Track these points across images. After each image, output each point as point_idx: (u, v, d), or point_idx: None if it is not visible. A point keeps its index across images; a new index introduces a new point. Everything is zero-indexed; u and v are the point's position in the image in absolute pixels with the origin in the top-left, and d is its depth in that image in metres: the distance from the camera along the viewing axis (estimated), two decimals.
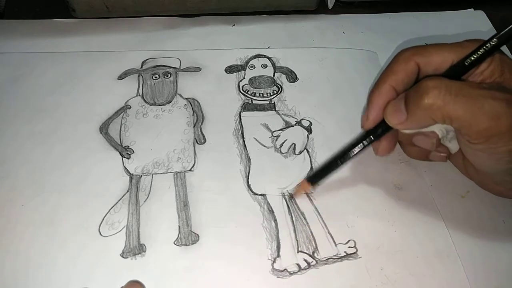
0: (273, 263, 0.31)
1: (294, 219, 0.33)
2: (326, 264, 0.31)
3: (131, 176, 0.36)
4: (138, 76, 0.43)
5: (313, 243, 0.32)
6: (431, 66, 0.31)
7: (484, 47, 0.30)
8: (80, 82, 0.42)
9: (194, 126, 0.39)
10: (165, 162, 0.36)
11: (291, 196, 0.35)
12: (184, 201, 0.34)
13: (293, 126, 0.39)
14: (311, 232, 0.33)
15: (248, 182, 0.35)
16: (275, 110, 0.40)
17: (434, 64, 0.31)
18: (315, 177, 0.34)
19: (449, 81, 0.28)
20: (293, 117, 0.40)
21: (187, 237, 0.32)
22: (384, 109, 0.32)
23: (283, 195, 0.35)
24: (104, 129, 0.38)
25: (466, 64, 0.30)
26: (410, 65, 0.31)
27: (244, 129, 0.39)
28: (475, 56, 0.30)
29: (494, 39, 0.29)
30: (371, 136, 0.33)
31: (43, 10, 0.49)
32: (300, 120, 0.39)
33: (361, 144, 0.33)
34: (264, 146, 0.38)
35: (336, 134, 0.38)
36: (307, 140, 0.38)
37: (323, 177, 0.34)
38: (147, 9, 0.47)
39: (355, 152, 0.33)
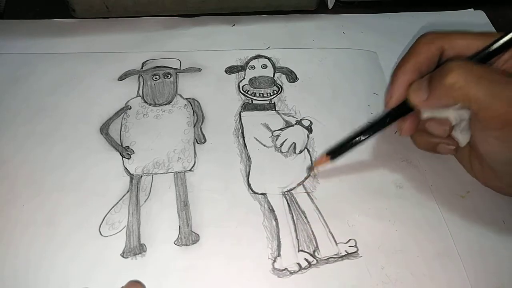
0: (274, 262, 0.31)
1: (294, 218, 0.33)
2: (326, 263, 0.31)
3: (131, 176, 0.36)
4: (139, 77, 0.43)
5: (314, 242, 0.32)
6: (454, 50, 0.32)
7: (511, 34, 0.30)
8: (81, 82, 0.42)
9: (194, 126, 0.39)
10: (165, 162, 0.36)
11: (311, 169, 0.35)
12: (184, 201, 0.34)
13: (293, 125, 0.39)
14: (312, 231, 0.33)
15: (248, 181, 0.35)
16: (275, 110, 0.40)
17: (458, 48, 0.32)
18: (335, 151, 0.34)
19: (473, 64, 0.29)
20: (293, 116, 0.40)
21: (188, 237, 0.32)
22: (408, 88, 0.32)
23: (284, 194, 0.35)
24: (104, 129, 0.38)
25: (491, 50, 0.30)
26: (433, 47, 0.32)
27: (244, 129, 0.39)
28: (500, 42, 0.30)
29: None
30: (394, 115, 0.33)
31: (43, 10, 0.49)
32: (301, 119, 0.39)
33: (384, 121, 0.33)
34: (264, 145, 0.38)
35: (336, 133, 0.38)
36: (308, 140, 0.38)
37: (343, 152, 0.34)
38: (147, 9, 0.47)
39: (377, 130, 0.33)
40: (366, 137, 0.33)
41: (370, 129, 0.33)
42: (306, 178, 0.35)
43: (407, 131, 0.34)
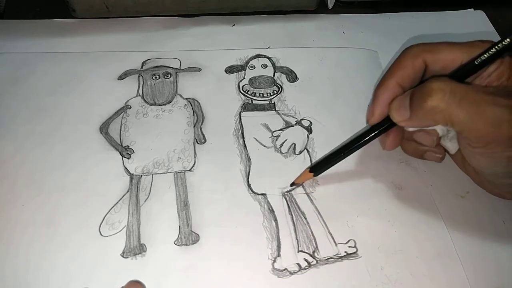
0: (274, 262, 0.31)
1: (294, 218, 0.33)
2: (326, 263, 0.31)
3: (131, 176, 0.36)
4: (138, 76, 0.43)
5: (314, 242, 0.32)
6: (439, 63, 0.31)
7: (496, 47, 0.30)
8: (80, 82, 0.42)
9: (194, 126, 0.39)
10: (165, 162, 0.36)
11: (293, 184, 0.35)
12: (184, 201, 0.34)
13: (293, 126, 0.39)
14: (312, 232, 0.33)
15: (248, 181, 0.35)
16: (275, 110, 0.40)
17: (443, 62, 0.31)
18: (317, 167, 0.34)
19: (454, 84, 0.28)
20: (293, 117, 0.40)
21: (188, 237, 0.32)
22: (390, 105, 0.32)
23: (284, 194, 0.35)
24: (104, 129, 0.38)
25: (476, 63, 0.30)
26: (418, 62, 0.32)
27: (244, 129, 0.39)
28: (485, 56, 0.30)
29: (507, 40, 0.29)
30: (376, 131, 0.33)
31: (43, 10, 0.49)
32: (300, 120, 0.39)
33: (366, 138, 0.33)
34: (264, 146, 0.38)
35: (336, 133, 0.38)
36: (307, 140, 0.38)
37: (325, 168, 0.34)
38: (147, 9, 0.47)
39: (359, 145, 0.33)
40: (348, 152, 0.34)
41: (352, 145, 0.33)
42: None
43: (390, 145, 0.34)
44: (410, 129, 0.33)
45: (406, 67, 0.32)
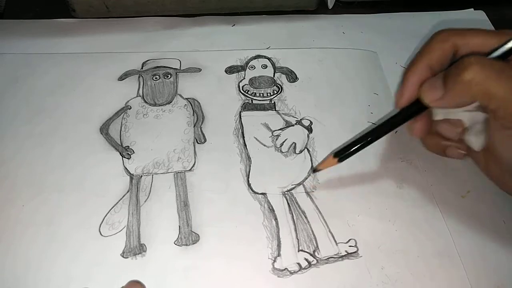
0: (274, 262, 0.31)
1: (294, 218, 0.33)
2: (327, 263, 0.31)
3: (131, 176, 0.36)
4: (139, 77, 0.43)
5: (314, 242, 0.32)
6: (468, 47, 0.31)
7: None
8: (81, 82, 0.42)
9: (194, 126, 0.39)
10: (165, 162, 0.36)
11: (315, 170, 0.35)
12: (184, 201, 0.34)
13: (293, 125, 0.39)
14: (312, 231, 0.33)
15: (248, 181, 0.35)
16: (275, 110, 0.40)
17: (472, 45, 0.30)
18: (342, 152, 0.33)
19: (492, 60, 0.28)
20: (293, 116, 0.40)
21: (188, 237, 0.32)
22: (420, 87, 0.31)
23: (284, 194, 0.35)
24: (104, 129, 0.38)
25: (507, 49, 0.29)
26: (447, 45, 0.31)
27: (244, 129, 0.39)
28: None
29: None
30: (404, 115, 0.32)
31: (43, 10, 0.49)
32: (301, 119, 0.39)
33: (394, 122, 0.32)
34: (265, 145, 0.38)
35: (336, 133, 0.38)
36: (308, 140, 0.38)
37: (350, 153, 0.33)
38: (147, 9, 0.47)
39: (386, 130, 0.32)
40: (375, 138, 0.32)
41: (379, 130, 0.32)
42: (305, 179, 0.35)
43: (418, 132, 0.33)
44: (437, 117, 0.32)
45: (435, 50, 0.31)
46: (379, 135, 0.32)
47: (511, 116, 0.27)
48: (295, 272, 0.31)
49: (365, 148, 0.36)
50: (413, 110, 0.32)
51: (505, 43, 0.29)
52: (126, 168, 0.36)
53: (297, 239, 0.32)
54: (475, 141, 0.32)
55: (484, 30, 0.31)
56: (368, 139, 0.32)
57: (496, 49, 0.29)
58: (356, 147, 0.33)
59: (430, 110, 0.32)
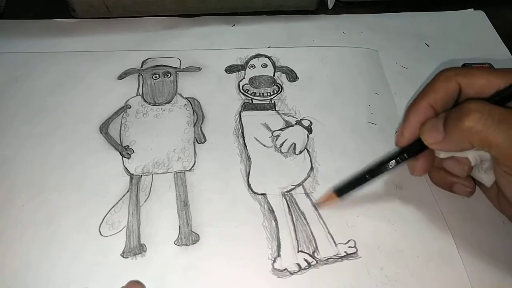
0: (274, 262, 0.31)
1: (294, 218, 0.33)
2: (326, 264, 0.31)
3: (131, 176, 0.36)
4: (138, 76, 0.43)
5: (313, 243, 0.32)
6: (473, 88, 0.30)
7: None
8: (80, 82, 0.42)
9: (194, 125, 0.39)
10: (165, 161, 0.36)
11: (315, 206, 0.34)
12: (184, 201, 0.34)
13: (293, 125, 0.39)
14: (311, 232, 0.33)
15: (248, 181, 0.35)
16: (275, 110, 0.40)
17: (477, 86, 0.30)
18: (342, 189, 0.33)
19: (493, 106, 0.27)
20: (293, 116, 0.40)
21: (188, 237, 0.32)
22: (421, 127, 0.31)
23: (284, 194, 0.35)
24: (104, 129, 0.38)
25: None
26: (451, 84, 0.30)
27: (244, 129, 0.39)
28: None
29: None
30: (405, 154, 0.32)
31: (43, 10, 0.49)
32: (300, 119, 0.39)
33: (394, 161, 0.32)
34: (264, 145, 0.38)
35: (336, 133, 0.38)
36: (307, 140, 0.38)
37: (350, 190, 0.33)
38: (147, 9, 0.47)
39: (387, 169, 0.32)
40: (374, 175, 0.32)
41: (379, 168, 0.32)
42: (305, 180, 0.35)
43: (420, 170, 0.33)
44: (441, 156, 0.32)
45: (439, 90, 0.31)
46: (379, 174, 0.32)
47: None
48: (294, 272, 0.31)
49: (365, 149, 0.36)
50: (414, 149, 0.32)
51: (510, 86, 0.29)
52: (126, 168, 0.36)
53: (297, 240, 0.32)
54: (485, 178, 0.32)
55: (489, 70, 0.31)
56: (368, 177, 0.32)
57: (501, 91, 0.29)
58: (356, 185, 0.33)
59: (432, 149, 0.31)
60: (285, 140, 0.38)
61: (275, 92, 0.42)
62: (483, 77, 0.30)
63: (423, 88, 0.32)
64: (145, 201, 0.34)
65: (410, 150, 0.32)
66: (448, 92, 0.31)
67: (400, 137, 0.32)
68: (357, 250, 0.32)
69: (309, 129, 0.39)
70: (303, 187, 0.35)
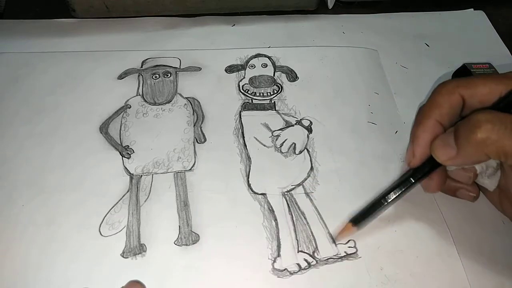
0: (274, 262, 0.31)
1: (294, 218, 0.33)
2: (326, 264, 0.31)
3: (131, 176, 0.36)
4: (138, 75, 0.43)
5: (313, 243, 0.32)
6: (476, 98, 0.30)
7: None
8: (80, 82, 0.42)
9: (194, 125, 0.39)
10: (165, 161, 0.36)
11: (334, 241, 0.32)
12: (184, 201, 0.34)
13: (293, 125, 0.39)
14: (311, 232, 0.33)
15: (248, 181, 0.35)
16: (275, 110, 0.40)
17: (480, 96, 0.30)
18: (359, 218, 0.32)
19: (502, 114, 0.27)
20: (293, 116, 0.40)
21: (188, 237, 0.32)
22: (432, 145, 0.30)
23: (284, 194, 0.35)
24: (104, 128, 0.38)
25: None
26: (454, 97, 0.30)
27: (244, 129, 0.39)
28: None
29: None
30: (419, 175, 0.31)
31: (43, 10, 0.49)
32: (301, 119, 0.39)
33: (409, 182, 0.31)
34: (264, 145, 0.38)
35: (336, 133, 0.38)
36: (307, 140, 0.38)
37: (368, 218, 0.31)
38: (147, 9, 0.47)
39: (402, 191, 0.31)
40: (391, 202, 0.31)
41: (395, 192, 0.31)
42: (305, 180, 0.35)
43: (435, 188, 0.32)
44: (453, 168, 0.31)
45: (443, 105, 0.30)
46: (395, 199, 0.31)
47: None
48: (294, 272, 0.31)
49: (365, 148, 0.36)
50: (427, 168, 0.31)
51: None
52: (126, 168, 0.36)
53: (297, 239, 0.32)
54: (489, 183, 0.32)
55: (489, 76, 0.30)
56: (383, 202, 0.31)
57: (504, 98, 0.29)
58: (372, 211, 0.31)
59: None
60: (285, 140, 0.38)
61: (275, 92, 0.42)
62: (484, 85, 0.30)
63: (425, 104, 0.31)
64: (145, 201, 0.34)
65: (423, 170, 0.31)
66: (452, 105, 0.30)
67: (411, 158, 0.31)
68: (357, 250, 0.32)
69: (309, 129, 0.39)
70: (303, 187, 0.35)
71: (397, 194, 0.31)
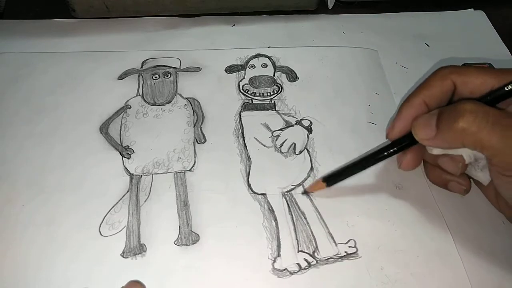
0: (274, 262, 0.31)
1: (294, 218, 0.33)
2: (326, 263, 0.31)
3: (131, 176, 0.36)
4: (138, 76, 0.43)
5: (314, 242, 0.32)
6: (468, 87, 0.31)
7: None
8: (80, 82, 0.42)
9: (194, 125, 0.39)
10: (165, 162, 0.36)
11: (305, 192, 0.35)
12: (184, 201, 0.34)
13: (293, 125, 0.39)
14: (312, 232, 0.33)
15: (248, 181, 0.35)
16: (275, 110, 0.40)
17: (472, 86, 0.30)
18: (331, 178, 0.34)
19: (487, 107, 0.27)
20: (293, 116, 0.40)
21: (188, 237, 0.32)
22: (413, 121, 0.31)
23: (284, 194, 0.35)
24: (104, 129, 0.38)
25: (506, 90, 0.29)
26: (446, 83, 0.31)
27: (244, 129, 0.39)
28: None
29: None
30: (394, 147, 0.32)
31: (43, 10, 0.49)
32: (301, 119, 0.39)
33: (384, 153, 0.32)
34: (264, 145, 0.38)
35: (336, 133, 0.38)
36: (308, 140, 0.38)
37: (338, 180, 0.34)
38: (147, 9, 0.47)
39: (375, 160, 0.33)
40: (363, 167, 0.33)
41: (368, 160, 0.33)
42: (305, 180, 0.35)
43: (407, 165, 0.33)
44: (434, 152, 0.32)
45: (434, 87, 0.31)
46: (368, 165, 0.33)
47: (506, 165, 0.28)
48: (294, 272, 0.31)
49: (365, 148, 0.36)
50: (404, 143, 0.32)
51: (503, 86, 0.29)
52: (126, 168, 0.36)
53: (297, 239, 0.32)
54: (482, 176, 0.32)
55: (485, 69, 0.31)
56: (356, 167, 0.33)
57: (493, 91, 0.29)
58: (345, 175, 0.34)
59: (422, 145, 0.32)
60: (285, 140, 0.38)
61: (275, 92, 0.42)
62: (478, 77, 0.30)
63: (419, 85, 0.32)
64: (145, 201, 0.34)
65: (400, 144, 0.32)
66: (443, 89, 0.31)
67: (390, 130, 0.33)
68: (357, 250, 0.32)
69: (309, 129, 0.39)
70: (303, 187, 0.35)
71: (369, 164, 0.33)
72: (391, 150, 0.32)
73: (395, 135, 0.32)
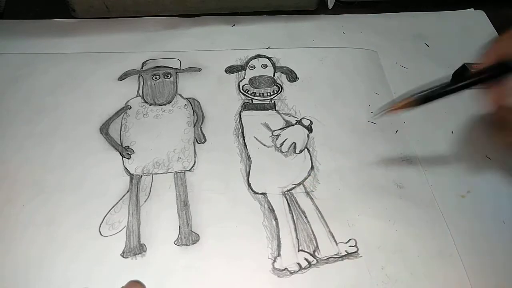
0: (274, 262, 0.31)
1: (294, 218, 0.33)
2: (327, 263, 0.31)
3: (131, 176, 0.36)
4: (139, 76, 0.43)
5: (314, 242, 0.32)
6: None
7: None
8: (81, 82, 0.42)
9: (194, 125, 0.39)
10: (165, 162, 0.36)
11: (389, 110, 0.32)
12: (184, 201, 0.34)
13: (293, 125, 0.39)
14: (312, 231, 0.33)
15: (248, 181, 0.35)
16: (275, 110, 0.40)
17: None
18: (423, 98, 0.32)
19: None
20: (293, 116, 0.40)
21: (188, 237, 0.32)
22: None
23: (284, 193, 0.35)
24: (104, 129, 0.38)
25: None
26: None
27: (244, 128, 0.39)
28: None
29: None
30: (486, 75, 0.31)
31: (43, 10, 0.49)
32: (301, 119, 0.39)
33: (478, 78, 0.31)
34: (265, 145, 0.38)
35: (336, 132, 0.38)
36: (308, 139, 0.38)
37: (430, 100, 0.32)
38: (147, 9, 0.47)
39: (467, 86, 0.31)
40: (456, 90, 0.31)
41: (461, 84, 0.31)
42: (305, 179, 0.35)
43: (494, 99, 0.32)
44: None
45: None
46: (461, 88, 0.31)
47: None
48: (295, 272, 0.31)
49: (365, 148, 0.36)
50: (494, 72, 0.31)
51: None
52: (126, 168, 0.36)
53: (297, 239, 0.32)
54: None
55: None
56: (450, 89, 0.32)
57: None
58: (438, 94, 0.32)
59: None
60: (285, 140, 0.38)
61: (275, 92, 0.42)
62: None
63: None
64: (145, 201, 0.34)
65: (491, 72, 0.31)
66: None
67: (486, 57, 0.31)
68: (357, 249, 0.32)
69: (309, 129, 0.39)
70: (304, 186, 0.35)
71: (461, 87, 0.31)
72: (485, 77, 0.31)
73: (490, 62, 0.31)
